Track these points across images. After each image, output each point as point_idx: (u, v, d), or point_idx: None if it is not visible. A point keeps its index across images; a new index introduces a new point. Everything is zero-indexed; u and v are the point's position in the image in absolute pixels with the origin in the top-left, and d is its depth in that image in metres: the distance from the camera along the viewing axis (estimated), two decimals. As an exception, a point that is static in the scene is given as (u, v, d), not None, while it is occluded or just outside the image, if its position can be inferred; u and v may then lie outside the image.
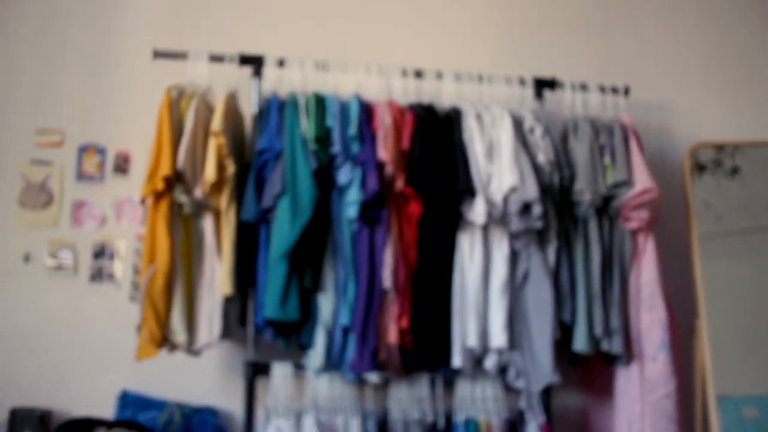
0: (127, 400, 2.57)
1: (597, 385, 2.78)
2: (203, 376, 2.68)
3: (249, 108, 2.55)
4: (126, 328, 2.59)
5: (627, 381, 2.57)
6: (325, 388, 2.48)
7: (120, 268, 2.70)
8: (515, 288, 2.49)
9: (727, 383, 2.56)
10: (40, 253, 2.68)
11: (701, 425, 2.62)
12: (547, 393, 2.60)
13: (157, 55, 2.50)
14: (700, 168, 2.81)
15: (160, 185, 2.23)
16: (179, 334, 2.30)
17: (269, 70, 2.55)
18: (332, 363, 2.40)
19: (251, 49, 2.57)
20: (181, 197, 2.29)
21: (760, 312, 2.71)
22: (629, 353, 2.54)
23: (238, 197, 2.37)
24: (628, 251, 2.56)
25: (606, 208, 2.55)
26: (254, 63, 2.54)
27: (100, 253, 2.69)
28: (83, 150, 2.74)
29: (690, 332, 2.67)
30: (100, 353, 2.66)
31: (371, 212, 2.35)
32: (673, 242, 2.80)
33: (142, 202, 2.30)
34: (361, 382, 2.49)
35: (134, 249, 2.70)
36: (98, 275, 2.69)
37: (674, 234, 2.84)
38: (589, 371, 2.79)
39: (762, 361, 2.66)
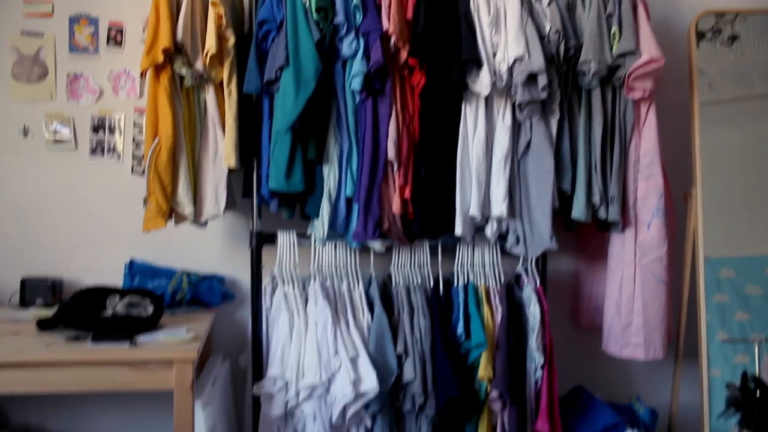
0: (135, 269, 2.64)
1: (591, 250, 2.88)
2: (209, 247, 2.74)
3: (246, -26, 2.47)
4: (130, 200, 2.64)
5: (621, 246, 2.65)
6: (330, 256, 2.56)
7: (121, 141, 2.68)
8: (517, 158, 2.51)
9: (708, 247, 2.66)
10: (38, 126, 2.65)
11: (688, 286, 2.75)
12: (542, 258, 2.69)
13: None
14: (698, 36, 2.78)
15: (159, 57, 2.18)
16: (185, 206, 2.33)
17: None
18: (336, 232, 2.46)
19: None
20: (182, 69, 2.25)
21: (746, 180, 2.78)
22: (625, 220, 2.61)
23: (239, 69, 2.33)
24: (630, 121, 2.57)
25: (610, 77, 2.53)
26: (252, -74, 2.42)
27: (99, 126, 2.67)
28: (74, 21, 2.64)
29: (684, 199, 2.74)
30: (107, 225, 2.70)
31: (375, 83, 2.32)
32: (669, 110, 2.81)
33: (143, 75, 2.25)
34: (364, 251, 2.55)
35: (133, 122, 2.68)
36: (99, 149, 2.67)
37: (669, 102, 2.84)
38: (583, 236, 2.88)
39: (741, 226, 2.76)
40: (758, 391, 2.30)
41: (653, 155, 2.59)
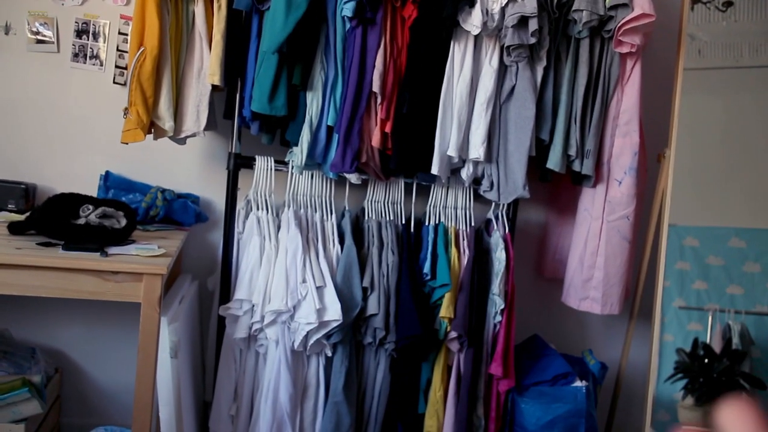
0: (110, 181, 2.62)
1: (561, 202, 2.92)
2: (186, 165, 2.73)
3: None
4: (110, 110, 2.60)
5: (591, 200, 2.69)
6: (305, 185, 2.56)
7: (105, 48, 2.63)
8: (499, 103, 2.52)
9: (674, 212, 2.70)
10: (20, 24, 2.59)
11: (651, 248, 2.81)
12: (514, 206, 2.73)
13: None
14: (694, -1, 2.78)
15: (150, -37, 2.13)
16: (166, 120, 2.31)
17: None
18: (314, 161, 2.46)
19: None
20: (173, -22, 2.21)
21: (721, 150, 2.79)
22: (597, 175, 2.64)
23: (231, -16, 2.29)
24: (615, 76, 2.58)
25: (600, 29, 2.53)
26: None
27: (83, 31, 2.61)
28: None
29: (657, 160, 2.78)
30: (84, 133, 2.66)
31: (367, 12, 2.29)
32: (655, 71, 2.83)
33: (131, -20, 2.20)
34: (340, 182, 2.57)
35: (119, 30, 2.62)
36: (81, 54, 2.62)
37: (657, 63, 2.86)
38: (555, 188, 2.92)
39: (710, 195, 2.78)
40: (707, 359, 2.35)
41: (633, 112, 2.61)
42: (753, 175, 2.76)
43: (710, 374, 2.33)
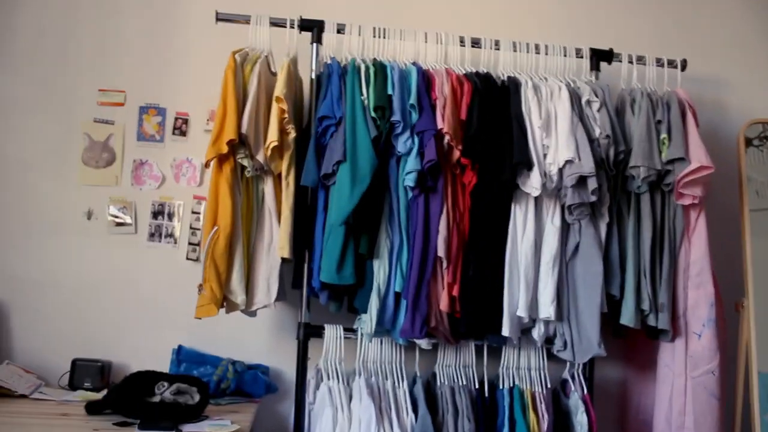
0: (182, 354, 2.65)
1: (639, 358, 2.81)
2: (256, 336, 2.76)
3: (307, 73, 2.57)
4: (182, 285, 2.68)
5: (671, 355, 2.59)
6: (375, 351, 2.54)
7: (178, 227, 2.76)
8: (565, 260, 2.51)
9: (761, 361, 2.58)
10: (101, 210, 2.75)
11: (741, 401, 2.65)
12: (590, 364, 2.64)
13: (220, 18, 2.51)
14: (746, 142, 2.80)
15: (224, 148, 2.26)
16: (238, 295, 2.36)
17: (327, 36, 2.56)
18: (384, 328, 2.45)
19: (311, 15, 2.57)
20: (244, 161, 2.33)
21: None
22: (675, 328, 2.56)
23: (298, 162, 2.41)
24: (680, 227, 2.57)
25: (659, 183, 2.55)
26: (314, 28, 2.55)
27: (159, 212, 2.76)
28: (144, 110, 2.79)
29: (735, 309, 2.69)
30: (157, 310, 2.74)
31: (428, 181, 2.37)
32: (716, 217, 2.80)
33: (207, 165, 2.33)
34: (410, 348, 2.54)
35: (191, 209, 2.77)
36: (157, 233, 2.75)
37: (717, 208, 2.84)
38: (631, 344, 2.82)
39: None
40: None
41: (703, 263, 2.57)
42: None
43: None
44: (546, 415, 2.50)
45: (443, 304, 2.40)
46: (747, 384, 2.61)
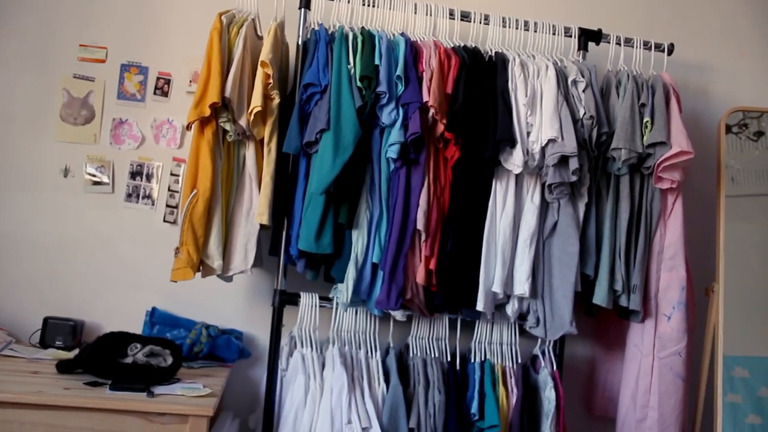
0: (156, 317, 2.64)
1: (609, 337, 2.86)
2: (231, 302, 2.75)
3: (293, 38, 2.54)
4: (158, 248, 2.67)
5: (640, 336, 2.64)
6: (350, 321, 2.56)
7: (156, 189, 2.73)
8: (542, 238, 2.53)
9: (728, 345, 2.63)
10: (78, 168, 2.71)
11: (705, 383, 2.72)
12: (560, 341, 2.68)
13: (206, -22, 2.48)
14: (726, 129, 2.83)
15: (207, 111, 2.24)
16: (215, 259, 2.35)
17: (315, 2, 2.52)
18: (359, 298, 2.46)
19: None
20: (227, 125, 2.31)
21: (765, 278, 2.77)
22: (645, 310, 2.60)
23: (281, 128, 2.39)
24: (657, 211, 2.59)
25: (640, 166, 2.57)
26: (303, -8, 2.52)
27: (137, 173, 2.72)
28: (126, 68, 2.73)
29: (705, 293, 2.74)
30: (132, 271, 2.72)
31: (411, 153, 2.37)
32: (691, 202, 2.83)
33: (188, 127, 2.30)
34: (384, 319, 2.55)
35: (170, 171, 2.74)
36: (134, 194, 2.72)
37: (694, 193, 2.88)
38: (602, 323, 2.87)
39: (759, 325, 2.74)
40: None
41: (678, 246, 2.61)
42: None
43: None
44: (515, 390, 2.54)
45: (420, 276, 2.41)
46: (712, 366, 2.67)
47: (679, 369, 2.59)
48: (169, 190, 2.73)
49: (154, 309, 2.66)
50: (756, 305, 2.75)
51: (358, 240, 2.43)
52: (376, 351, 2.54)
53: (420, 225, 2.38)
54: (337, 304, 2.51)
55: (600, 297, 2.53)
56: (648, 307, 2.61)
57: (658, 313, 2.61)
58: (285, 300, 2.52)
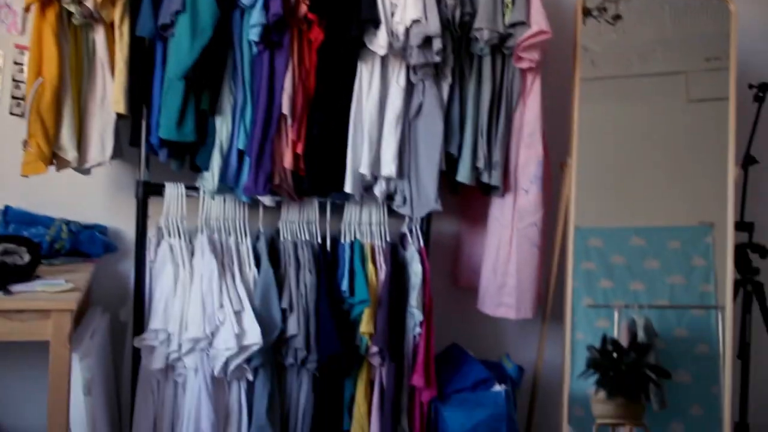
0: (10, 215, 2.50)
1: (472, 213, 2.99)
2: (92, 196, 2.64)
3: None
4: (6, 142, 2.49)
5: (500, 209, 2.77)
6: (218, 209, 2.54)
7: (0, 79, 2.52)
8: (408, 120, 2.57)
9: (579, 216, 2.82)
10: None
11: (559, 251, 2.93)
12: (427, 219, 2.78)
13: None
14: (584, 12, 2.91)
15: (45, -10, 2.07)
16: (69, 151, 2.24)
17: None
18: (226, 185, 2.44)
19: None
20: (71, 6, 2.14)
21: (618, 154, 2.95)
22: (505, 185, 2.73)
23: (133, 10, 2.24)
24: (517, 90, 2.68)
25: (501, 46, 2.62)
26: None
27: (-25, 61, 2.50)
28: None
29: (560, 168, 2.90)
30: (-21, 168, 2.54)
31: (273, 36, 2.30)
32: (553, 84, 2.94)
33: (27, 9, 2.12)
34: (253, 205, 2.55)
35: (14, 60, 2.52)
36: (-26, 85, 2.51)
37: (554, 76, 2.98)
38: (466, 200, 2.99)
39: (610, 198, 2.94)
40: (615, 354, 2.49)
41: (535, 124, 2.72)
42: (647, 176, 2.92)
43: (619, 368, 2.46)
44: (384, 266, 2.63)
45: (287, 161, 2.41)
46: (564, 236, 2.87)
47: (535, 238, 2.75)
48: (13, 80, 2.52)
49: (7, 207, 2.51)
50: (609, 181, 2.93)
51: (223, 126, 2.38)
52: (246, 237, 2.55)
53: (285, 109, 2.36)
54: (204, 192, 2.47)
55: (463, 174, 2.62)
56: (508, 182, 2.73)
57: (517, 187, 2.74)
58: (149, 191, 2.46)
